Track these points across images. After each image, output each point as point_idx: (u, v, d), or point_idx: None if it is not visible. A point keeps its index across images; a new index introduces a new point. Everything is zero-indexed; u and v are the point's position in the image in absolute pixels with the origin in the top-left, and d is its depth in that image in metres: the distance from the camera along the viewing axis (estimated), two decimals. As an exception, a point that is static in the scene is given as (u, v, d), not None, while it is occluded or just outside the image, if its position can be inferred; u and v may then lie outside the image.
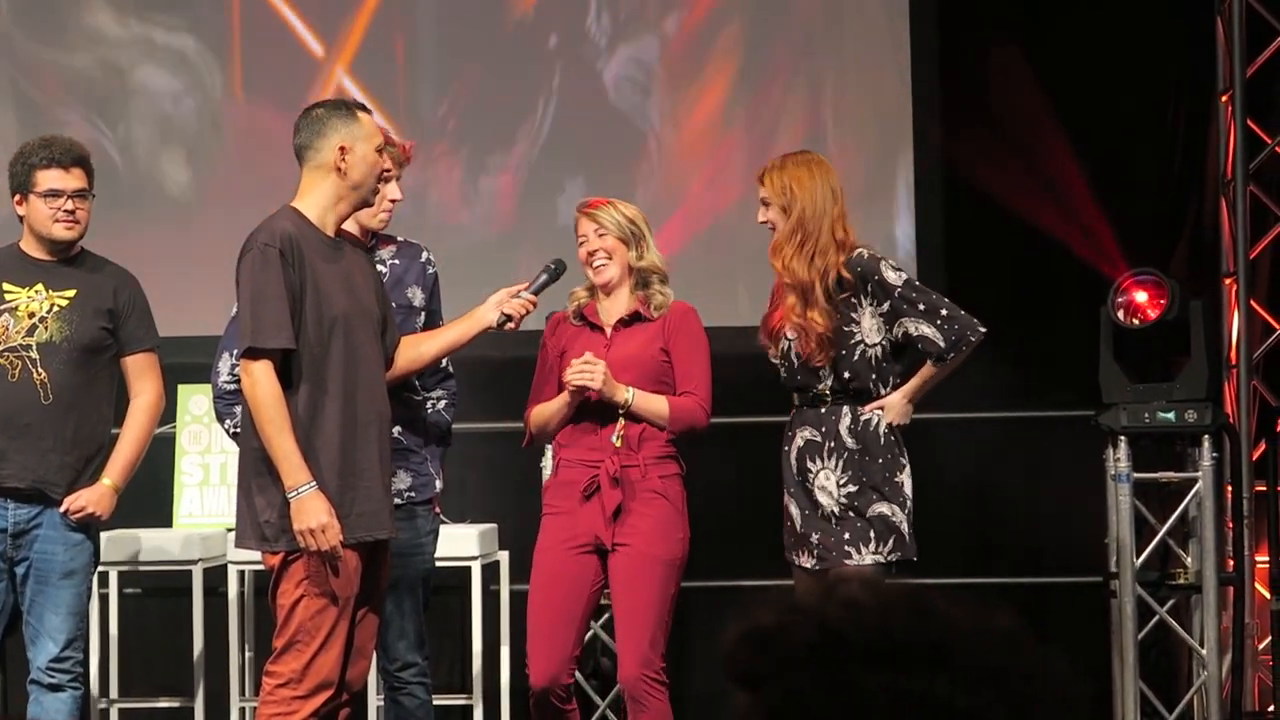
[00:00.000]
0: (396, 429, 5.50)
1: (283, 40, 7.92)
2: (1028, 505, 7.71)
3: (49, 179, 5.82)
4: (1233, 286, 7.65)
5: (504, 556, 7.06)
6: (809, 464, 5.63)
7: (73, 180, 5.84)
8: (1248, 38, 7.55)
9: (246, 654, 7.07)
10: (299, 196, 5.24)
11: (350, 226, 5.47)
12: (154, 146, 7.90)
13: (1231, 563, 7.21)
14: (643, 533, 5.58)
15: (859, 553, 5.55)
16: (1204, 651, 7.04)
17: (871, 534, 5.55)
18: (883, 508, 5.57)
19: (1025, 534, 7.72)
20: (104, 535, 6.35)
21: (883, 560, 5.55)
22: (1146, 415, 6.90)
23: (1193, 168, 7.79)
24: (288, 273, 5.09)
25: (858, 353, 5.63)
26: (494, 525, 7.12)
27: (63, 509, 5.80)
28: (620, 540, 5.58)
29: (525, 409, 5.77)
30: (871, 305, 5.63)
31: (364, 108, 5.36)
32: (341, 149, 5.17)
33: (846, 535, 5.57)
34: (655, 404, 5.62)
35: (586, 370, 5.55)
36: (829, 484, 5.60)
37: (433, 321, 5.77)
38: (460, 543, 6.79)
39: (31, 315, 5.83)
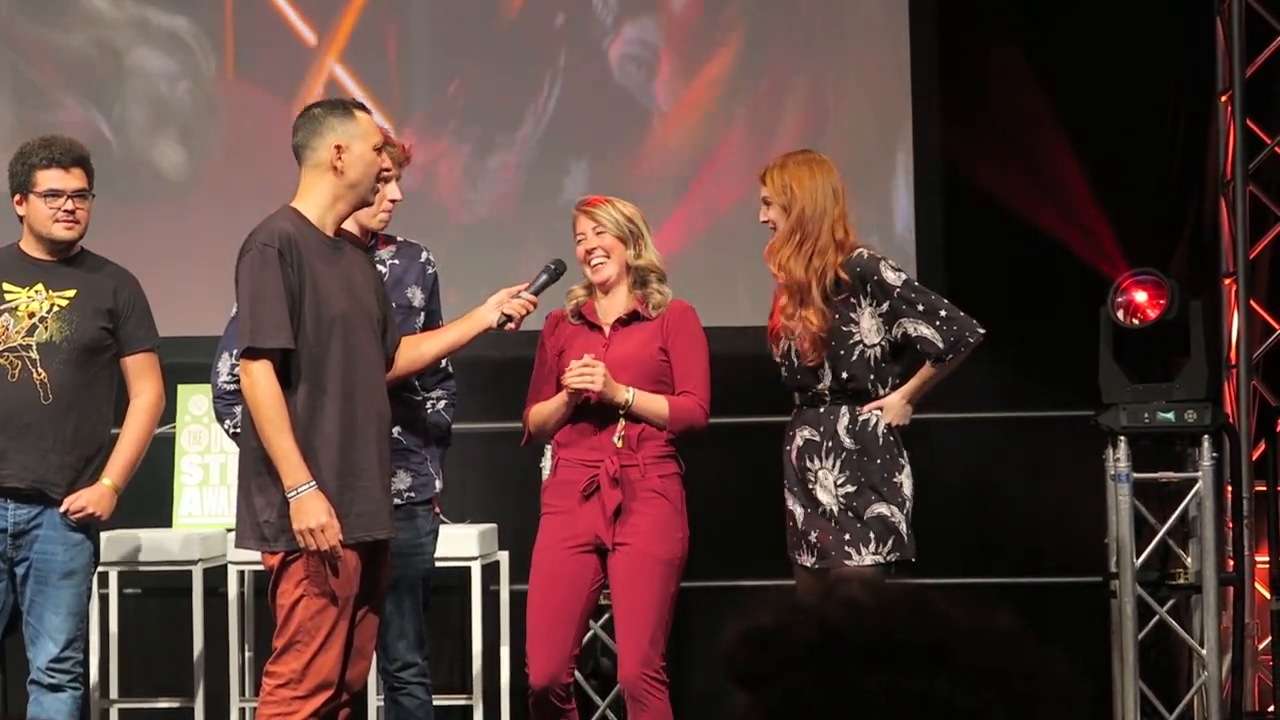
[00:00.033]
0: (396, 429, 5.50)
1: (275, 25, 7.92)
2: (1028, 505, 7.71)
3: (49, 179, 5.82)
4: (1232, 286, 7.65)
5: (504, 556, 7.06)
6: (809, 463, 5.63)
7: (73, 180, 5.84)
8: (1247, 38, 7.56)
9: (246, 654, 7.07)
10: (298, 196, 5.24)
11: (350, 226, 5.47)
12: (148, 127, 7.89)
13: (1231, 563, 7.21)
14: (643, 532, 5.58)
15: (858, 554, 5.56)
16: (1204, 651, 7.04)
17: (870, 535, 5.55)
18: (881, 508, 5.57)
19: (1025, 534, 7.72)
20: (104, 535, 6.35)
21: (882, 561, 5.56)
22: (1146, 415, 6.90)
23: (1192, 168, 7.79)
24: (286, 273, 5.09)
25: (856, 353, 5.63)
26: (494, 525, 7.12)
27: (63, 509, 5.80)
28: (620, 540, 5.58)
29: (524, 408, 5.78)
30: (871, 305, 5.63)
31: (362, 107, 5.36)
32: (337, 147, 5.17)
33: (846, 536, 5.57)
34: (655, 404, 5.62)
35: (586, 373, 5.55)
36: (828, 483, 5.60)
37: (432, 322, 5.77)
38: (460, 543, 6.79)
39: (31, 315, 5.83)
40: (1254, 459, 7.37)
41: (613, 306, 5.72)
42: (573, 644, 5.67)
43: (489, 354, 6.40)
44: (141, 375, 5.94)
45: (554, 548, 5.65)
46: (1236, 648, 7.05)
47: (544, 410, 5.70)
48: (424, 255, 5.83)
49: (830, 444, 5.61)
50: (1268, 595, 7.19)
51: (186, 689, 7.06)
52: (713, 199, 7.81)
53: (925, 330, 5.60)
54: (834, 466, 5.60)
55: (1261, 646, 7.31)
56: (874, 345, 5.64)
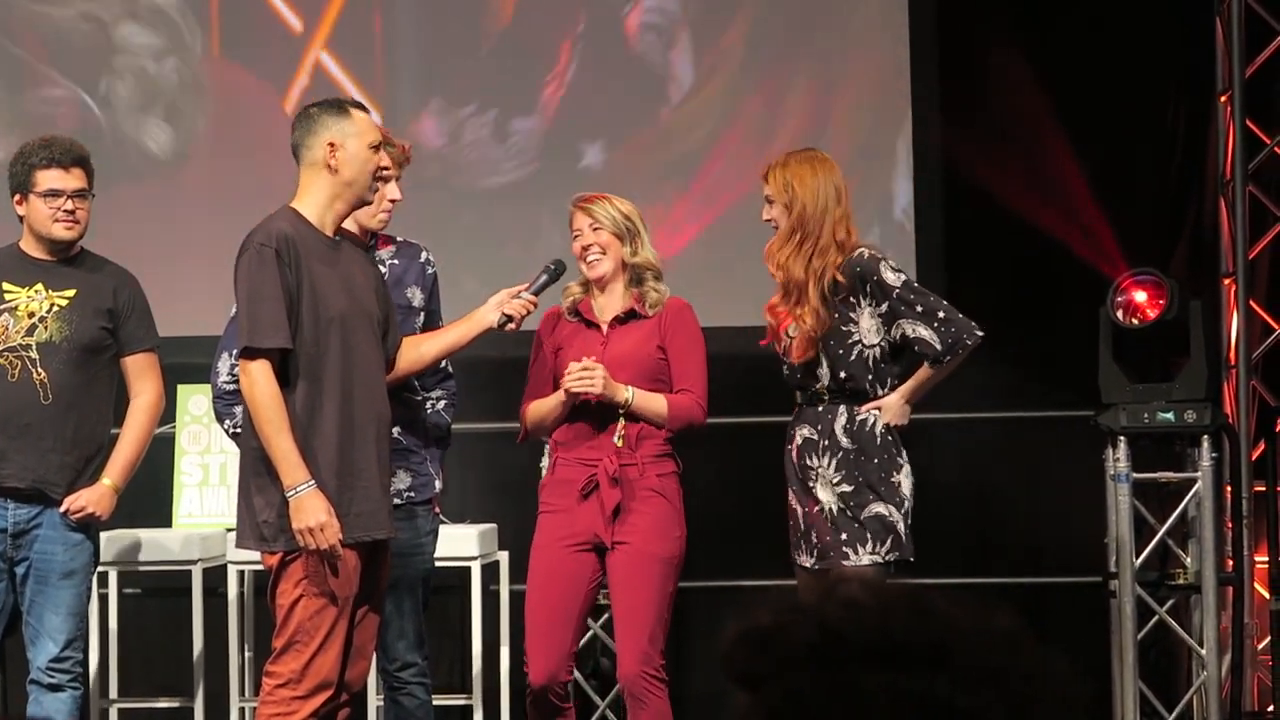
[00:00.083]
0: (396, 429, 5.50)
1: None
2: (1027, 505, 7.71)
3: (49, 179, 5.83)
4: (1232, 287, 7.65)
5: (504, 556, 7.06)
6: (808, 461, 5.63)
7: (72, 180, 5.84)
8: (1247, 38, 7.55)
9: (246, 654, 7.07)
10: (297, 197, 5.24)
11: (350, 226, 5.47)
12: (135, 104, 7.88)
13: (1231, 563, 7.21)
14: (641, 531, 5.59)
15: (856, 554, 5.55)
16: (1203, 651, 7.04)
17: (868, 535, 5.55)
18: (879, 508, 5.57)
19: (1025, 534, 7.72)
20: (104, 535, 6.35)
21: (880, 560, 5.55)
22: (1146, 415, 6.90)
23: (1192, 168, 7.79)
24: (284, 273, 5.10)
25: (855, 353, 5.63)
26: (494, 525, 7.12)
27: (63, 509, 5.80)
28: (619, 539, 5.59)
29: (521, 405, 5.78)
30: (870, 305, 5.63)
31: (359, 105, 5.36)
32: (331, 145, 5.17)
33: (844, 536, 5.56)
34: (654, 403, 5.62)
35: (585, 377, 5.55)
36: (827, 482, 5.60)
37: (432, 322, 5.77)
38: (460, 543, 6.79)
39: (31, 315, 5.83)
40: (1253, 459, 7.37)
41: (610, 304, 5.73)
42: (571, 642, 5.67)
43: (489, 354, 6.40)
44: (141, 375, 5.94)
45: (552, 546, 5.65)
46: (1236, 648, 7.05)
47: (541, 408, 5.71)
48: (423, 255, 5.83)
49: (827, 443, 5.62)
50: (1267, 595, 7.19)
51: (186, 689, 7.06)
52: (712, 199, 7.81)
53: (923, 331, 5.60)
54: (831, 466, 5.60)
55: (1261, 646, 7.30)
56: (873, 345, 5.64)
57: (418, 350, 5.49)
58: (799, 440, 5.67)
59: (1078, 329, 7.21)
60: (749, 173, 7.40)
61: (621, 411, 5.60)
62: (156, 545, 6.99)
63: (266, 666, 5.17)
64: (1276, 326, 7.61)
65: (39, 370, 5.80)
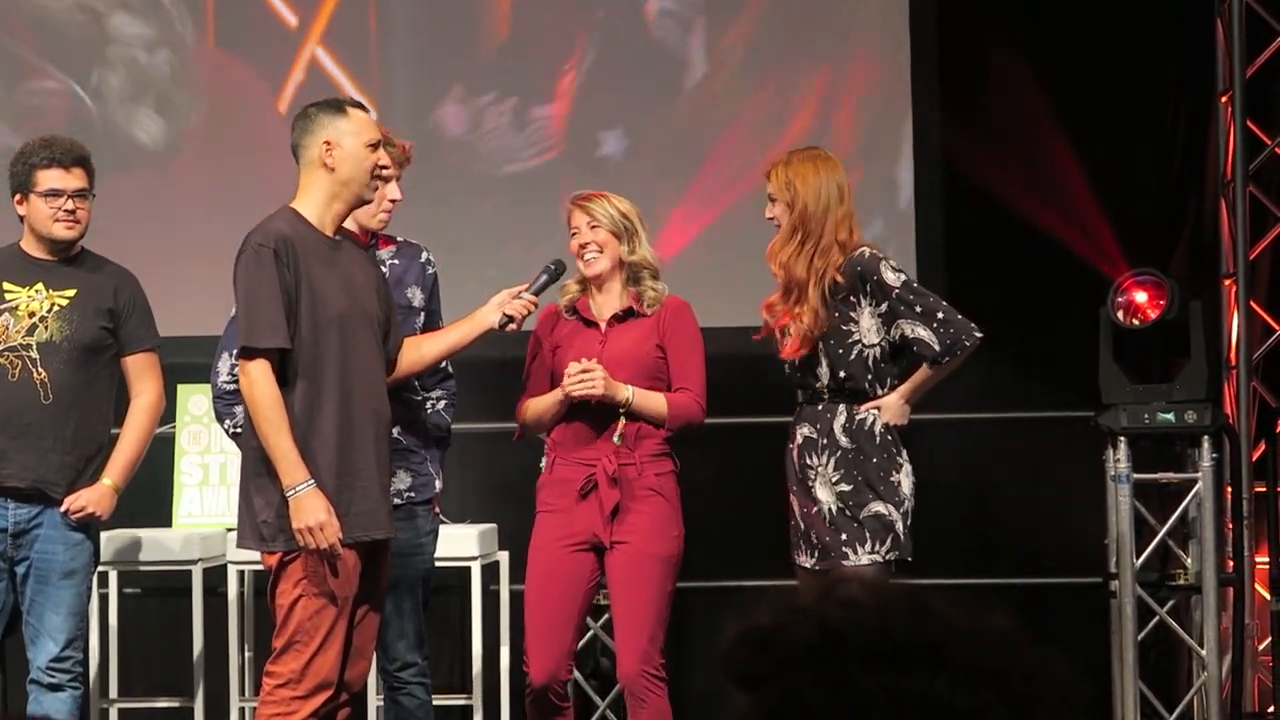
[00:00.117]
0: (396, 429, 5.50)
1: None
2: (1027, 505, 7.71)
3: (49, 179, 5.83)
4: (1232, 287, 7.64)
5: (504, 556, 7.06)
6: (808, 460, 5.63)
7: (73, 180, 5.84)
8: (1247, 38, 7.55)
9: (246, 654, 7.07)
10: (297, 197, 5.24)
11: (350, 226, 5.47)
12: (127, 94, 7.88)
13: (1231, 563, 7.20)
14: (640, 530, 5.59)
15: (855, 554, 5.55)
16: (1204, 652, 7.04)
17: (867, 534, 5.55)
18: (879, 507, 5.56)
19: (1025, 534, 7.71)
20: (104, 535, 6.35)
21: (880, 560, 5.55)
22: (1146, 416, 6.90)
23: (1193, 168, 7.79)
24: (282, 272, 5.10)
25: (855, 352, 5.63)
26: (494, 525, 7.11)
27: (63, 509, 5.80)
28: (618, 538, 5.59)
29: (518, 401, 5.78)
30: (870, 305, 5.62)
31: (359, 105, 5.35)
32: (327, 144, 5.17)
33: (844, 536, 5.56)
34: (654, 402, 5.62)
35: (586, 379, 5.55)
36: (826, 481, 5.60)
37: (432, 322, 5.77)
38: (460, 543, 6.79)
39: (32, 315, 5.83)
40: (1254, 460, 7.36)
41: (608, 303, 5.73)
42: (572, 642, 5.67)
43: (489, 354, 6.40)
44: (142, 375, 5.94)
45: (550, 546, 5.65)
46: (1236, 648, 7.05)
47: (539, 406, 5.71)
48: (424, 255, 5.83)
49: (826, 441, 5.61)
50: (1267, 596, 7.19)
51: (186, 689, 7.06)
52: (712, 198, 7.80)
53: (922, 332, 5.59)
54: (830, 465, 5.60)
55: (1261, 647, 7.30)
56: (873, 345, 5.63)
57: (419, 351, 5.49)
58: (799, 439, 5.67)
59: (1078, 329, 7.21)
60: (748, 173, 7.41)
61: (622, 411, 5.60)
62: (156, 545, 6.99)
63: (266, 666, 5.17)
64: (1277, 327, 7.61)
65: (39, 370, 5.80)
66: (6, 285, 5.86)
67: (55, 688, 5.81)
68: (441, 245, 6.14)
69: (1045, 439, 7.64)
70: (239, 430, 5.48)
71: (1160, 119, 7.77)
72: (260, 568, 5.82)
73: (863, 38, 7.85)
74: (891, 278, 5.61)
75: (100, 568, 6.27)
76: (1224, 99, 7.69)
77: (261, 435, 5.05)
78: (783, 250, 5.63)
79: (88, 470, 5.84)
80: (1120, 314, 6.98)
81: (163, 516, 7.16)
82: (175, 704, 7.19)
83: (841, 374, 5.63)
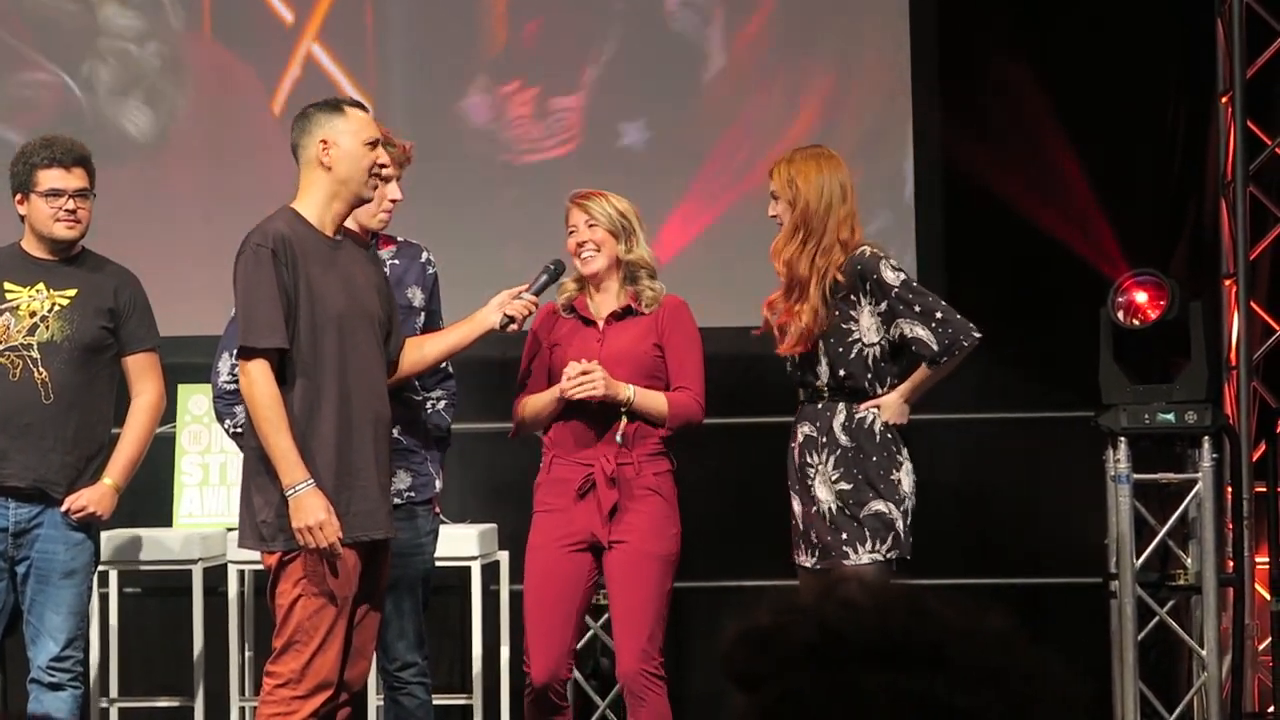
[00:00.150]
0: (396, 429, 5.50)
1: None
2: (1027, 505, 7.71)
3: (50, 178, 5.83)
4: (1232, 288, 7.64)
5: (504, 556, 7.06)
6: (809, 459, 5.63)
7: (74, 180, 5.85)
8: (1247, 39, 7.55)
9: (246, 654, 7.07)
10: (297, 197, 5.25)
11: (350, 226, 5.46)
12: (118, 86, 7.87)
13: (1231, 564, 7.20)
14: (639, 529, 5.59)
15: (855, 552, 5.55)
16: (1204, 652, 7.04)
17: (867, 533, 5.55)
18: (879, 505, 5.56)
19: (1025, 534, 7.71)
20: (104, 535, 6.36)
21: (881, 558, 5.55)
22: (1146, 416, 6.90)
23: (1193, 168, 7.79)
24: (280, 272, 5.10)
25: (855, 351, 5.63)
26: (494, 525, 7.12)
27: (63, 508, 5.80)
28: (616, 537, 5.59)
29: (515, 399, 5.78)
30: (870, 304, 5.62)
31: (357, 104, 5.35)
32: (324, 143, 5.18)
33: (844, 535, 5.56)
34: (654, 401, 5.62)
35: (586, 381, 5.55)
36: (826, 480, 5.60)
37: (432, 322, 5.78)
38: (460, 543, 6.79)
39: (33, 314, 5.83)
40: (1254, 460, 7.36)
41: (605, 301, 5.73)
42: (571, 641, 5.67)
43: (489, 354, 6.40)
44: (142, 375, 5.95)
45: (548, 546, 5.65)
46: (1236, 649, 7.05)
47: (536, 404, 5.71)
48: (424, 255, 5.83)
49: (826, 440, 5.62)
50: (1267, 596, 7.19)
51: (186, 688, 7.06)
52: (712, 199, 7.80)
53: (921, 332, 5.59)
54: (830, 463, 5.60)
55: (1261, 647, 7.30)
56: (873, 344, 5.63)
57: (420, 351, 5.49)
58: (800, 438, 5.67)
59: (1078, 329, 7.21)
60: (748, 173, 7.42)
61: (623, 410, 5.60)
62: (157, 545, 6.99)
63: (266, 666, 5.18)
64: (1277, 327, 7.61)
65: (40, 370, 5.80)
66: (7, 285, 5.87)
67: (55, 687, 5.81)
68: (442, 245, 6.14)
69: (1045, 439, 7.64)
70: (239, 430, 5.48)
71: (1160, 119, 7.77)
72: (260, 567, 5.82)
73: (863, 38, 7.84)
74: (891, 277, 5.61)
75: (101, 567, 6.27)
76: (1224, 99, 7.70)
77: (261, 435, 5.06)
78: (785, 248, 5.63)
79: (88, 470, 5.85)
80: (1120, 314, 6.98)
81: (163, 516, 7.16)
82: (175, 703, 7.20)
83: (841, 373, 5.63)
